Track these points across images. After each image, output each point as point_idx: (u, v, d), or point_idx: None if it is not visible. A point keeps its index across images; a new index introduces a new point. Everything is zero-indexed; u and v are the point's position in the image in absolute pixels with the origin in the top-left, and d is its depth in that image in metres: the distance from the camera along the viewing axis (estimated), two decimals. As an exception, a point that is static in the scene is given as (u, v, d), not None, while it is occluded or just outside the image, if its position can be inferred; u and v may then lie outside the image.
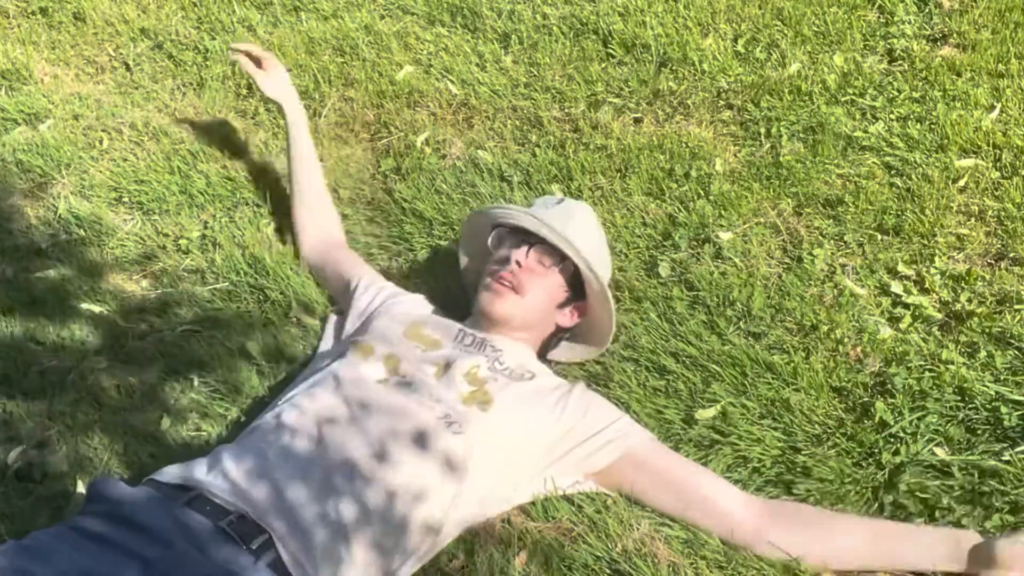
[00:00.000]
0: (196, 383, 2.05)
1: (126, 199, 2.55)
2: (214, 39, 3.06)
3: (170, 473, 1.56)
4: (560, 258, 1.86)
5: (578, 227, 1.89)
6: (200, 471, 1.55)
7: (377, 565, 1.53)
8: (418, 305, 2.03)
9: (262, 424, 1.67)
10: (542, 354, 1.93)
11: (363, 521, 1.52)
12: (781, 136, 2.49)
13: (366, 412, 1.63)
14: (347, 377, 1.71)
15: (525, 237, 1.86)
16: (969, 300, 2.03)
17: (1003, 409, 1.79)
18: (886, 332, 2.01)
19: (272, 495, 1.49)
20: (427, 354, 1.79)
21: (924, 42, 2.69)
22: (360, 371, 1.73)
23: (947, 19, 2.73)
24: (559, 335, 1.95)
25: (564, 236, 1.82)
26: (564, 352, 2.01)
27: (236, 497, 1.48)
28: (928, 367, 1.91)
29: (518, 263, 1.83)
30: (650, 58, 2.75)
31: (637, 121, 2.63)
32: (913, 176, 2.31)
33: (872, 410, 1.85)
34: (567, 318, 1.92)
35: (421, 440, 1.60)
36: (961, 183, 2.28)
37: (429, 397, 1.67)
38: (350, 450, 1.56)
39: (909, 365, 1.92)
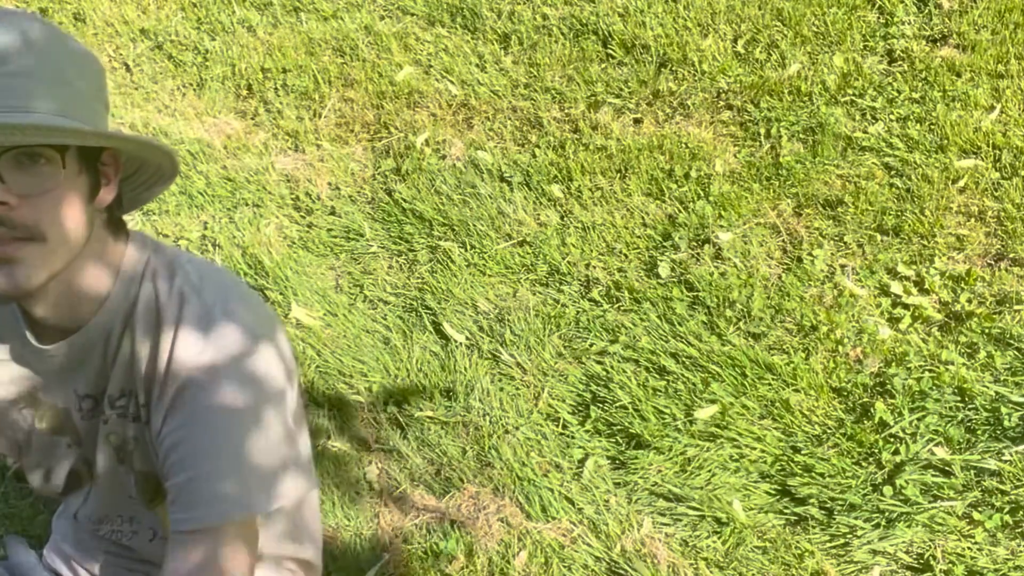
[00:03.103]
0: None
1: (126, 199, 2.55)
2: (214, 39, 3.06)
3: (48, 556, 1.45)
4: (50, 147, 1.00)
5: (32, 70, 0.97)
6: (51, 555, 1.43)
7: None
8: None
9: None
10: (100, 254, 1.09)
11: None
12: (781, 136, 2.49)
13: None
14: None
15: None
16: (969, 301, 2.03)
17: (1003, 409, 1.79)
18: (886, 333, 2.01)
19: None
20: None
21: (924, 43, 2.69)
22: None
23: (947, 20, 2.73)
24: (113, 211, 1.12)
25: (29, 121, 0.96)
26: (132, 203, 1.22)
27: None
28: (928, 367, 1.91)
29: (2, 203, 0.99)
30: (650, 59, 2.75)
31: (637, 122, 2.63)
32: (913, 177, 2.31)
33: (872, 410, 1.85)
34: (108, 192, 1.10)
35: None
36: (961, 184, 2.28)
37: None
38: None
39: (909, 365, 1.92)
